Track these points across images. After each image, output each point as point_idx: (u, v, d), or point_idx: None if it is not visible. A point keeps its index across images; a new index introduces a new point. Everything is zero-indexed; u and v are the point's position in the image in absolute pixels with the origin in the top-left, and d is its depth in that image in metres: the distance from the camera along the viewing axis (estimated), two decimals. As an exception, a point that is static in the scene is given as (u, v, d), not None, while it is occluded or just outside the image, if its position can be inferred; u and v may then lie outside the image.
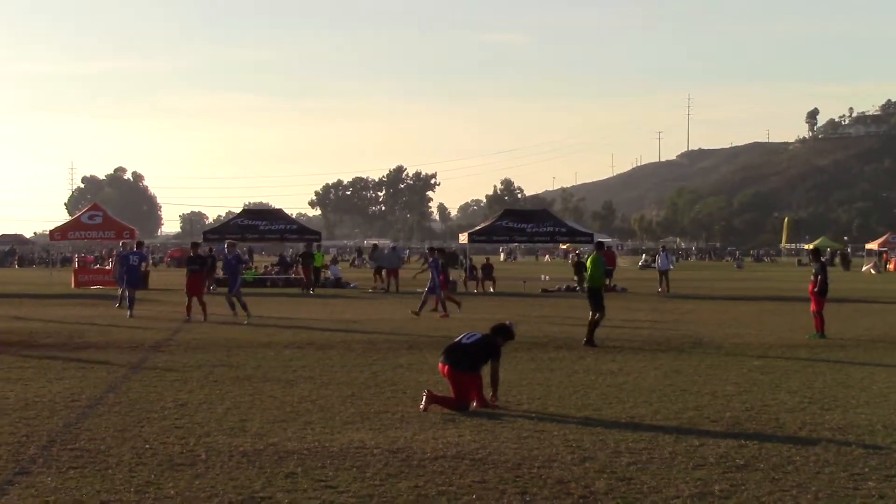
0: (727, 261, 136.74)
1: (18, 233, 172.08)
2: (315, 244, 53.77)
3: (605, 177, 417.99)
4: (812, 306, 25.59)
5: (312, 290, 47.84)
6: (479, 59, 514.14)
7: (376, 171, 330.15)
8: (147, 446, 11.31)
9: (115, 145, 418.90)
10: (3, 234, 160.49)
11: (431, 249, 37.76)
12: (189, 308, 29.51)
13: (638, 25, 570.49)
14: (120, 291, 33.89)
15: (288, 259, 66.08)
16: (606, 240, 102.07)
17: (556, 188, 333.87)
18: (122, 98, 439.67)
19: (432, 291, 33.00)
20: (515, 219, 56.21)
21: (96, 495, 9.27)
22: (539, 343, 22.89)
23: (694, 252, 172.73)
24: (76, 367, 18.33)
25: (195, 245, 33.00)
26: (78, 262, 63.55)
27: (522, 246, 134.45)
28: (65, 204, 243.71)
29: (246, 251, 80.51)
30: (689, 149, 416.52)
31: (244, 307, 29.03)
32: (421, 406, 13.83)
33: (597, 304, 22.79)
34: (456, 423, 12.93)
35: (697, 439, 12.00)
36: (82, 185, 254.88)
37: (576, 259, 55.87)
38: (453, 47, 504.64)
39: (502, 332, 14.82)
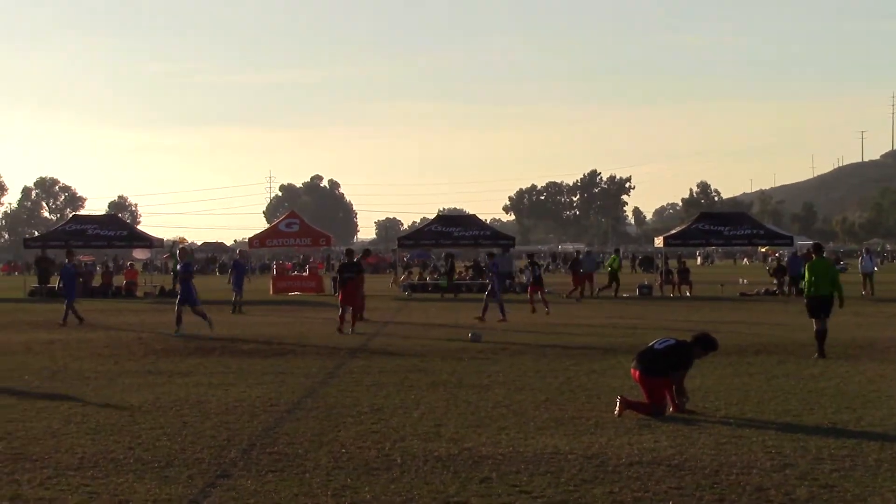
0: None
1: (219, 241, 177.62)
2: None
3: (805, 178, 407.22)
4: None
5: (578, 299, 45.63)
6: (672, 61, 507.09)
7: (570, 176, 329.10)
8: (343, 451, 11.47)
9: (312, 154, 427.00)
10: (204, 243, 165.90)
11: (490, 254, 36.88)
12: (342, 318, 27.64)
13: (835, 22, 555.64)
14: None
15: (482, 265, 66.28)
16: (807, 242, 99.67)
17: (753, 190, 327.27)
18: (318, 107, 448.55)
19: (493, 296, 32.58)
20: (712, 222, 55.31)
21: (294, 499, 9.44)
22: (737, 348, 22.38)
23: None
24: (275, 373, 18.74)
25: (350, 252, 30.90)
26: (276, 268, 65.02)
27: (720, 249, 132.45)
28: (263, 212, 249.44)
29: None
30: (894, 148, 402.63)
31: (178, 321, 27.46)
32: (615, 411, 13.70)
33: (826, 313, 21.26)
34: (652, 428, 12.76)
35: (904, 446, 11.57)
36: (280, 194, 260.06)
37: (776, 263, 54.79)
38: (645, 50, 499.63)
39: (703, 343, 14.39)
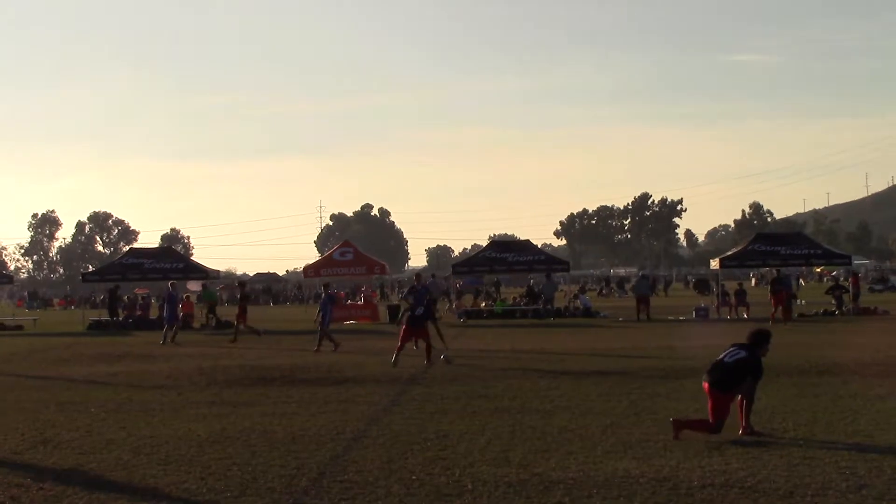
0: None
1: (272, 271, 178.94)
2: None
3: (860, 197, 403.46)
4: None
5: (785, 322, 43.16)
6: (722, 81, 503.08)
7: (621, 199, 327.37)
8: (414, 478, 11.49)
9: (361, 182, 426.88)
10: (257, 273, 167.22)
11: (326, 285, 35.96)
12: (399, 350, 26.12)
13: (889, 38, 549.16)
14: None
15: (536, 290, 66.22)
16: (863, 262, 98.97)
17: (807, 210, 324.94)
18: (366, 136, 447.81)
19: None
20: (768, 242, 54.93)
21: (369, 525, 9.46)
22: (800, 369, 22.18)
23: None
24: (337, 402, 18.76)
25: (418, 277, 30.03)
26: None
27: (775, 271, 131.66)
28: (314, 242, 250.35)
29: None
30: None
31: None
32: (672, 434, 13.63)
33: None
34: (721, 450, 12.69)
35: (980, 465, 11.43)
36: (331, 223, 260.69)
37: (832, 283, 54.44)
38: (695, 71, 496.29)
39: (758, 340, 14.34)
